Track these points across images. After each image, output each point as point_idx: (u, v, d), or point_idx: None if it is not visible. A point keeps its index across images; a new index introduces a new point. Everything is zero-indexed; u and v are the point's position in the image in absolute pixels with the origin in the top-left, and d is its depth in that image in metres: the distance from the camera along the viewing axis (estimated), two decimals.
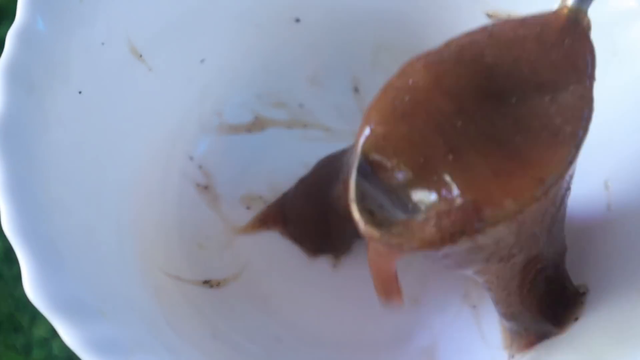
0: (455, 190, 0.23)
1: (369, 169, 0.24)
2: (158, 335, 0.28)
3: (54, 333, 0.32)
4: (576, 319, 0.30)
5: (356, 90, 0.39)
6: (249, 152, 0.38)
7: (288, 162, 0.37)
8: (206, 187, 0.36)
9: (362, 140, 0.25)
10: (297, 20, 0.36)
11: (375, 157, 0.24)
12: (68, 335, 0.24)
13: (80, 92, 0.30)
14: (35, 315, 0.35)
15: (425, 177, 0.24)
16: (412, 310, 0.34)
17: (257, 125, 0.38)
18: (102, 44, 0.31)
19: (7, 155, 0.26)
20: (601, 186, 0.33)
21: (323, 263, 0.35)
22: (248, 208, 0.36)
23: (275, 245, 0.36)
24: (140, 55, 0.33)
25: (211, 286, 0.34)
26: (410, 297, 0.35)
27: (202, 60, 0.36)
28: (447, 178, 0.24)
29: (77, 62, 0.30)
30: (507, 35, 0.26)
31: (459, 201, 0.23)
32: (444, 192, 0.24)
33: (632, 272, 0.30)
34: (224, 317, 0.33)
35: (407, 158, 0.24)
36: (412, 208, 0.24)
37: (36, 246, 0.25)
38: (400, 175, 0.24)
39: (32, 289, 0.24)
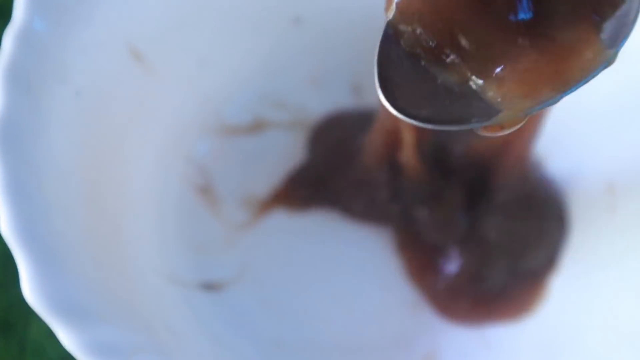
0: (491, 65, 0.21)
1: (394, 38, 0.22)
2: (157, 339, 0.28)
3: (48, 336, 0.33)
4: None
5: (357, 90, 0.38)
6: (249, 153, 0.37)
7: (289, 163, 0.37)
8: (206, 190, 0.36)
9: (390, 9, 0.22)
10: (297, 21, 0.36)
11: (401, 27, 0.22)
12: (68, 338, 0.24)
13: (77, 93, 0.30)
14: (29, 318, 0.35)
15: (452, 46, 0.22)
16: (414, 314, 0.34)
17: (257, 126, 0.38)
18: (101, 44, 0.31)
19: (5, 157, 0.26)
20: (605, 189, 0.33)
21: (323, 266, 0.35)
22: (248, 211, 0.36)
23: (275, 248, 0.36)
24: (139, 56, 0.33)
25: (210, 290, 0.34)
26: (411, 301, 0.35)
27: (202, 61, 0.36)
28: (482, 49, 0.21)
29: (75, 62, 0.30)
30: None
31: (493, 78, 0.21)
32: (476, 65, 0.21)
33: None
34: (224, 322, 0.33)
35: (436, 25, 0.22)
36: (441, 84, 0.22)
37: (35, 249, 0.25)
38: (428, 45, 0.22)
39: (31, 292, 0.24)
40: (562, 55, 0.21)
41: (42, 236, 0.25)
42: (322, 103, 0.38)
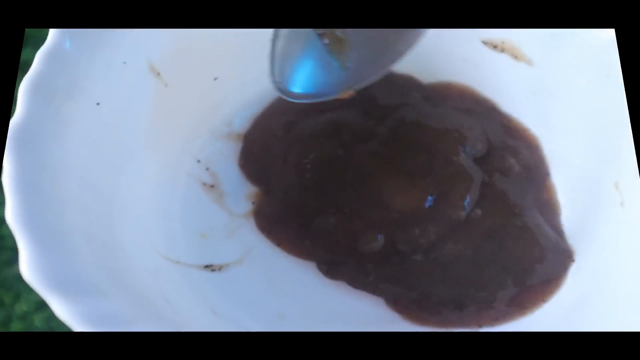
0: None
1: None
2: (157, 311, 0.29)
3: (36, 309, 0.35)
4: None
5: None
6: None
7: None
8: (212, 186, 0.38)
9: None
10: None
11: None
12: (61, 309, 0.24)
13: (98, 104, 0.31)
14: (19, 295, 0.35)
15: None
16: None
17: None
18: (124, 63, 0.33)
19: (18, 154, 0.27)
20: (612, 187, 0.34)
21: None
22: (253, 203, 0.37)
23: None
24: (158, 73, 0.35)
25: (213, 270, 0.35)
26: None
27: (216, 79, 0.37)
28: None
29: (99, 77, 0.32)
30: None
31: None
32: None
33: None
34: (225, 297, 0.34)
35: None
36: None
37: (36, 230, 0.26)
38: None
39: (28, 269, 0.25)
40: None
41: (46, 221, 0.26)
42: None
